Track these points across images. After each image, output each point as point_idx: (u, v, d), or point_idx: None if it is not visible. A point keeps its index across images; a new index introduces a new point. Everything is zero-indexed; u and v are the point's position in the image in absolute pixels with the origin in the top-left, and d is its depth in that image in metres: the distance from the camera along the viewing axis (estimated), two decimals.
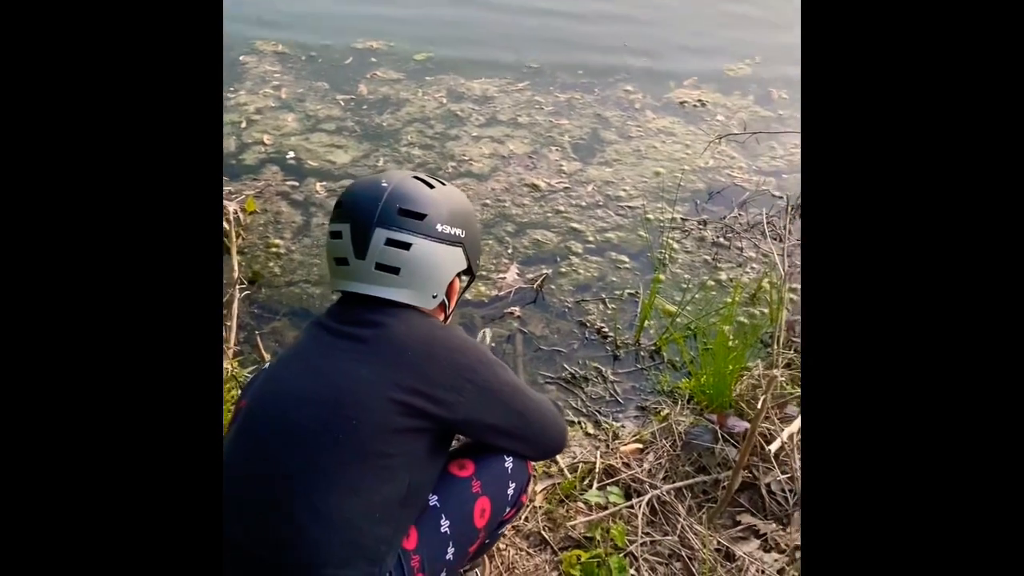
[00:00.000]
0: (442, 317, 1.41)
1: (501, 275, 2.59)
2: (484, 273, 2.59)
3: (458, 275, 1.39)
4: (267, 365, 1.60)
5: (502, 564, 1.69)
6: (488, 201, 2.94)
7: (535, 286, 2.55)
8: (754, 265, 2.71)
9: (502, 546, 1.71)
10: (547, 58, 4.05)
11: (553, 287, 2.57)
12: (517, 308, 2.47)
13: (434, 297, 1.33)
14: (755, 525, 1.76)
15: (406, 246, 1.27)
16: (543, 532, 1.75)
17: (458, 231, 1.33)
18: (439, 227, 1.30)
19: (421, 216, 1.28)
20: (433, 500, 1.32)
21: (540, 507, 1.81)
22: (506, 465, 1.40)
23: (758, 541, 1.72)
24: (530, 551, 1.72)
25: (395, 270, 1.27)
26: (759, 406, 1.65)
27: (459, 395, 1.25)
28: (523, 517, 1.78)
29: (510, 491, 1.40)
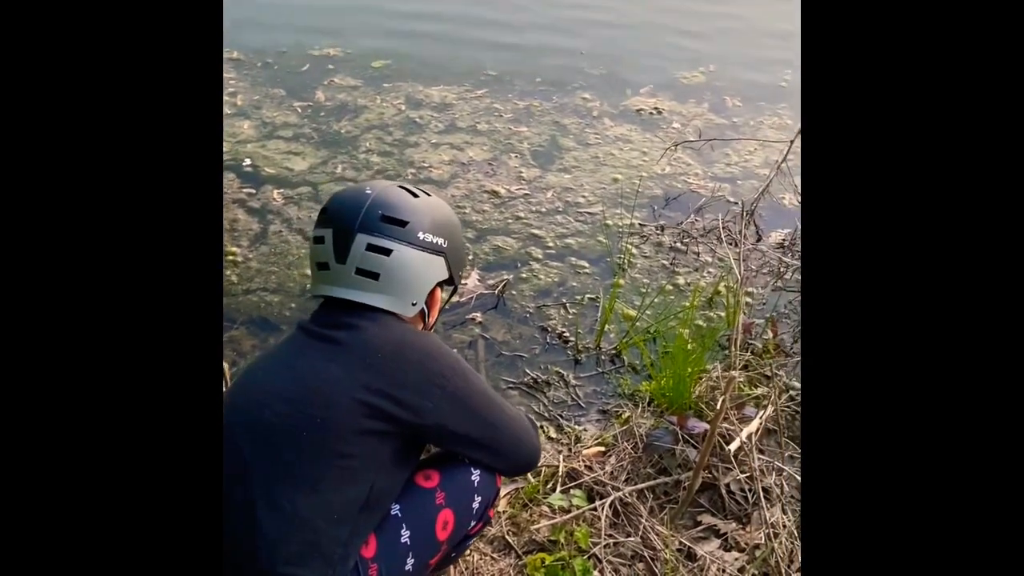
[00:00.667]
0: (421, 327, 1.41)
1: (462, 281, 2.59)
2: None
3: (440, 285, 1.40)
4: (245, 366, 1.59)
5: (466, 569, 1.68)
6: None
7: (496, 292, 2.56)
8: (711, 269, 2.76)
9: (466, 552, 1.71)
10: (505, 66, 4.08)
11: (514, 292, 2.58)
12: (478, 314, 2.48)
13: (413, 305, 1.33)
14: (715, 525, 1.78)
15: (386, 252, 1.28)
16: (507, 536, 1.76)
17: (440, 240, 1.34)
18: (421, 235, 1.31)
19: (403, 223, 1.29)
20: (395, 509, 1.31)
21: (504, 512, 1.81)
22: (472, 478, 1.39)
23: (719, 541, 1.75)
24: (494, 555, 1.73)
25: (375, 275, 1.28)
26: (718, 407, 1.68)
27: (428, 400, 1.24)
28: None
29: (475, 504, 1.40)
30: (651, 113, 3.75)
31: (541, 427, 2.10)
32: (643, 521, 1.77)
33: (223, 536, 1.14)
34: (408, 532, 1.30)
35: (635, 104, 3.82)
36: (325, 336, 1.26)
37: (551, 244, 2.81)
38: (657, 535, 1.74)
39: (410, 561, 1.30)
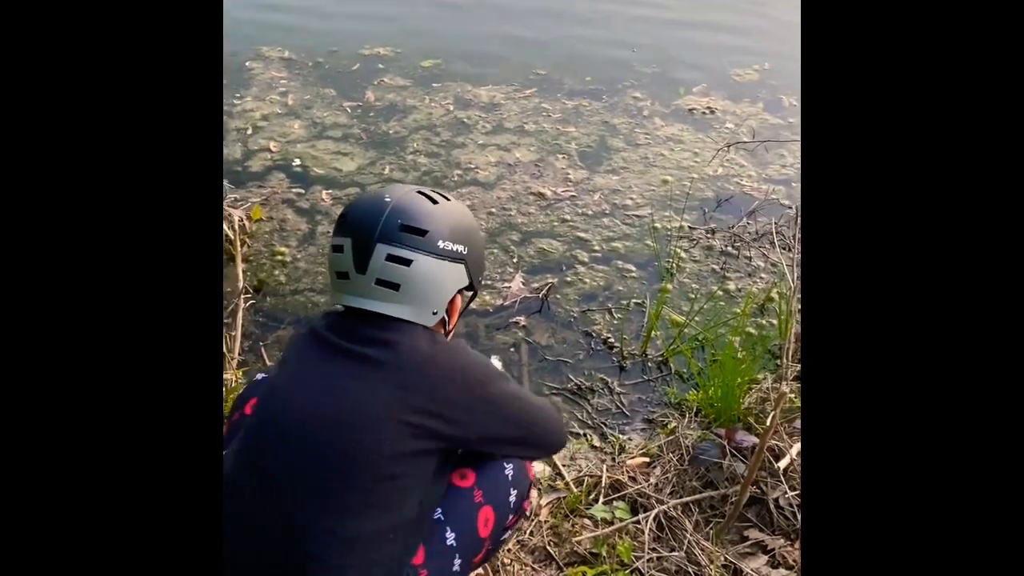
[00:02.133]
0: (443, 333, 1.39)
1: (506, 284, 2.57)
2: (489, 282, 2.57)
3: (460, 292, 1.38)
4: (265, 376, 1.57)
5: None
6: (494, 210, 2.92)
7: (540, 295, 2.53)
8: (763, 275, 2.69)
9: (507, 561, 1.69)
10: (555, 65, 4.04)
11: (559, 296, 2.55)
12: (522, 318, 2.45)
13: (434, 314, 1.31)
14: (763, 541, 1.73)
15: (407, 262, 1.26)
16: (548, 547, 1.73)
17: (460, 247, 1.32)
18: (440, 244, 1.29)
19: (423, 232, 1.27)
20: (437, 513, 1.31)
21: (545, 521, 1.78)
22: (506, 472, 1.40)
23: (766, 557, 1.70)
24: (535, 566, 1.70)
25: (395, 286, 1.26)
26: (768, 422, 1.62)
27: (471, 413, 1.25)
28: (528, 531, 1.76)
29: (512, 498, 1.40)
30: (704, 113, 3.68)
31: (584, 435, 2.07)
32: (688, 535, 1.73)
33: (271, 565, 1.15)
34: (453, 534, 1.30)
35: (687, 103, 3.74)
36: (356, 353, 1.24)
37: (597, 247, 2.77)
38: (702, 550, 1.70)
39: (457, 562, 1.31)
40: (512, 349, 2.34)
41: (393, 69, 3.92)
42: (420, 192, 1.33)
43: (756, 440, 1.81)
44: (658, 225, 2.90)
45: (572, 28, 4.51)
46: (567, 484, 1.88)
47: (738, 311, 2.38)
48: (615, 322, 2.46)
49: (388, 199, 1.29)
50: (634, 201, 3.02)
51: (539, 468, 1.93)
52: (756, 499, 1.80)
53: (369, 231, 1.26)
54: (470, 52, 4.13)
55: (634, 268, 2.68)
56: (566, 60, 4.10)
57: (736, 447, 1.87)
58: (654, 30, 4.52)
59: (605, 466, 1.93)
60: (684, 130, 3.52)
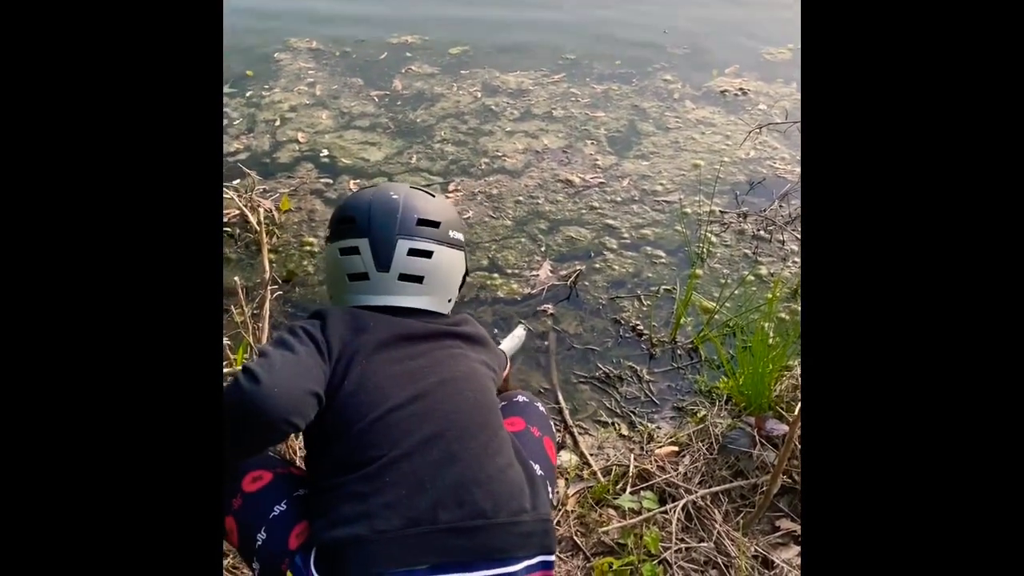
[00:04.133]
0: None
1: (534, 272, 2.55)
2: (517, 270, 2.55)
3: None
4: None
5: None
6: (521, 198, 2.90)
7: (569, 283, 2.50)
8: (796, 259, 2.63)
9: None
10: (585, 49, 3.99)
11: (587, 284, 2.52)
12: (550, 305, 2.43)
13: (449, 301, 1.39)
14: (795, 531, 1.69)
15: (428, 254, 1.32)
16: (575, 537, 1.72)
17: (462, 236, 1.42)
18: (451, 233, 1.37)
19: (437, 224, 1.35)
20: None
21: (572, 511, 1.77)
22: (536, 405, 1.55)
23: (798, 548, 1.66)
24: (562, 556, 1.69)
25: (419, 279, 1.33)
26: (798, 410, 1.58)
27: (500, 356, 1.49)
28: (555, 521, 1.74)
29: (551, 423, 1.57)
30: (736, 94, 3.60)
31: (613, 423, 2.05)
32: (717, 526, 1.70)
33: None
34: (537, 466, 1.34)
35: (719, 85, 3.67)
36: (424, 336, 1.30)
37: (626, 234, 2.73)
38: (732, 541, 1.67)
39: (550, 489, 1.36)
40: (540, 338, 2.32)
41: (421, 57, 3.91)
42: (413, 187, 1.41)
43: (787, 428, 1.77)
44: (688, 210, 2.85)
45: (603, 10, 4.44)
46: (594, 473, 1.86)
47: (770, 296, 2.32)
48: (644, 309, 2.43)
49: (395, 196, 1.35)
50: (664, 187, 2.97)
51: (566, 458, 1.91)
52: (788, 488, 1.77)
53: (388, 229, 1.31)
54: (498, 38, 4.10)
55: (663, 254, 2.64)
56: (596, 44, 4.05)
57: (766, 436, 1.83)
58: (686, 10, 4.44)
59: (633, 455, 1.90)
60: (715, 113, 3.46)
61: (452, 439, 1.18)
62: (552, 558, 1.20)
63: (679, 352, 2.28)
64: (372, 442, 1.14)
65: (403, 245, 1.30)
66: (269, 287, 2.26)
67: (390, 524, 1.08)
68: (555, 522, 1.74)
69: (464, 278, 1.47)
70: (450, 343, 1.32)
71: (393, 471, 1.12)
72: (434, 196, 1.41)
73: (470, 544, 1.11)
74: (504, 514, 1.16)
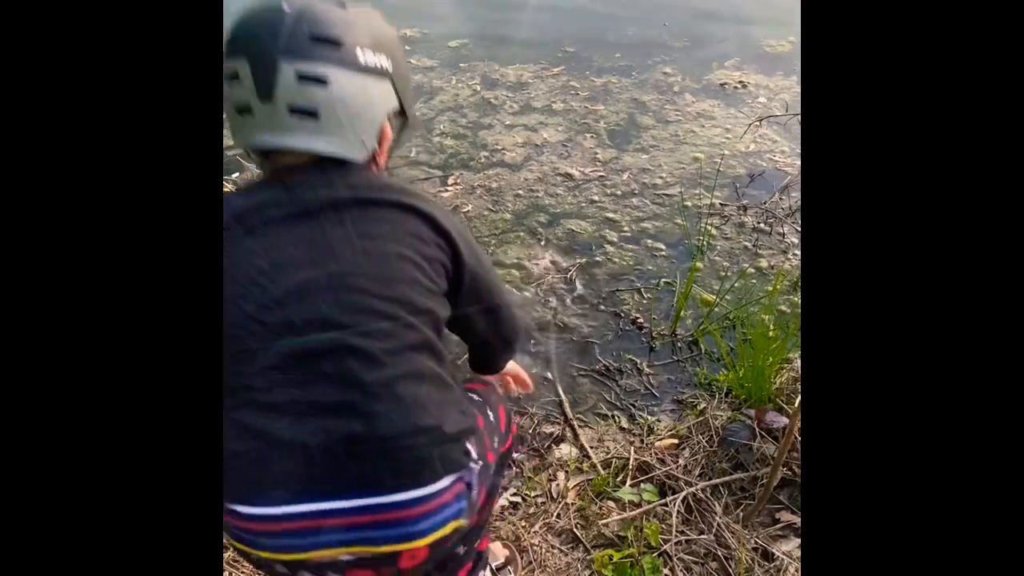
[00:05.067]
0: (375, 170, 1.17)
1: (535, 264, 2.55)
2: (517, 263, 2.55)
3: (388, 118, 1.13)
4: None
5: (534, 559, 1.66)
6: (521, 192, 2.90)
7: (569, 276, 2.50)
8: (796, 252, 2.63)
9: (535, 542, 1.69)
10: (584, 41, 3.98)
11: (587, 277, 2.52)
12: (551, 299, 2.43)
13: (364, 144, 1.08)
14: (795, 523, 1.70)
15: (322, 81, 1.02)
16: (575, 530, 1.72)
17: (383, 59, 1.08)
18: (363, 56, 1.05)
19: (337, 43, 1.03)
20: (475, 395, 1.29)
21: (572, 504, 1.77)
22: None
23: (798, 540, 1.67)
24: (562, 548, 1.69)
25: (313, 113, 1.03)
26: (798, 402, 1.59)
27: (465, 243, 1.18)
28: (555, 514, 1.75)
29: (504, 419, 1.36)
30: (735, 87, 3.60)
31: (612, 416, 2.05)
32: (717, 518, 1.70)
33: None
34: (491, 414, 1.26)
35: (719, 78, 3.67)
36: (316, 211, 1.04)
37: (626, 228, 2.73)
38: (732, 533, 1.67)
39: (496, 439, 1.26)
40: (540, 331, 2.32)
41: (420, 50, 3.90)
42: None
43: (787, 421, 1.77)
44: (688, 203, 2.85)
45: (603, 3, 4.43)
46: (594, 466, 1.87)
47: (770, 288, 2.33)
48: (644, 302, 2.43)
49: (286, 6, 1.04)
50: (664, 180, 2.97)
51: (566, 450, 1.92)
52: (787, 481, 1.77)
53: (269, 45, 1.01)
54: (498, 31, 4.09)
55: (664, 247, 2.64)
56: (596, 36, 4.04)
57: (766, 428, 1.84)
58: (686, 3, 4.43)
59: (633, 448, 1.91)
60: (715, 106, 3.45)
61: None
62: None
63: (679, 345, 2.28)
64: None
65: (288, 68, 1.00)
66: None
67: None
68: (555, 515, 1.75)
69: (398, 119, 1.16)
70: (353, 215, 1.05)
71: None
72: (344, 6, 1.08)
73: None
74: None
